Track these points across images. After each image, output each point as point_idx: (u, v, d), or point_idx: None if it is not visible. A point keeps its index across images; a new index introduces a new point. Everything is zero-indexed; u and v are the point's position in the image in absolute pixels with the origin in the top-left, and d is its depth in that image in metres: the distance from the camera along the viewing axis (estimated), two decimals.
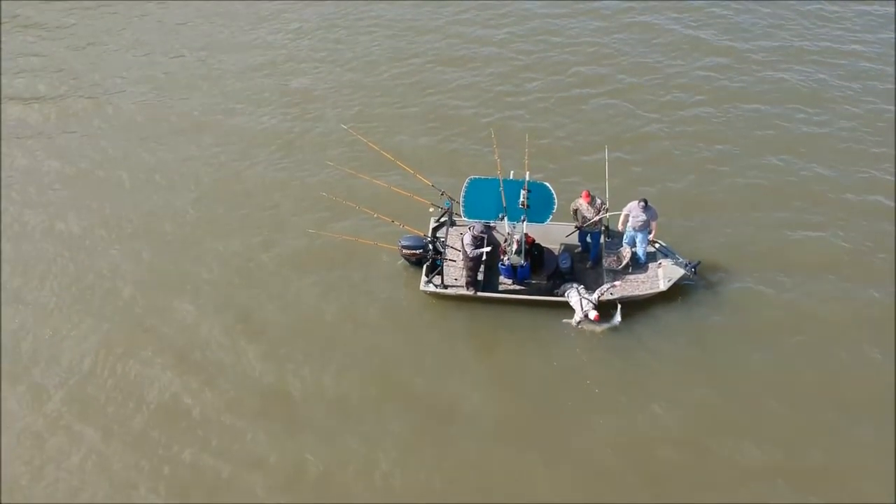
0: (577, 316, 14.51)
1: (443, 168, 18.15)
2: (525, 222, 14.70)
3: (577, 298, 14.62)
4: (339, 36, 23.48)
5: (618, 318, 14.68)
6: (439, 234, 15.91)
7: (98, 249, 16.80)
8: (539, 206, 14.80)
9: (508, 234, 15.27)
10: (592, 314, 14.45)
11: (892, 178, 17.78)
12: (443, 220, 16.12)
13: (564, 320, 14.73)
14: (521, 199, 14.75)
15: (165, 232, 17.19)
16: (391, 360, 14.44)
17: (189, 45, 23.35)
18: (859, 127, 19.38)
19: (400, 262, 15.93)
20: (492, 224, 14.91)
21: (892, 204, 17.15)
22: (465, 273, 15.11)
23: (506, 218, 14.68)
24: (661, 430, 13.17)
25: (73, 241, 17.02)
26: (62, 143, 19.92)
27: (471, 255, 14.56)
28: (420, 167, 17.02)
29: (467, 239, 14.56)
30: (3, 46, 23.44)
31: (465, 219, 15.01)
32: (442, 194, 15.83)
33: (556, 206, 14.96)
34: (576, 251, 15.91)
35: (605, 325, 14.66)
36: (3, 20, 24.57)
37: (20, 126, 20.45)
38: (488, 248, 14.67)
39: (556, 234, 15.76)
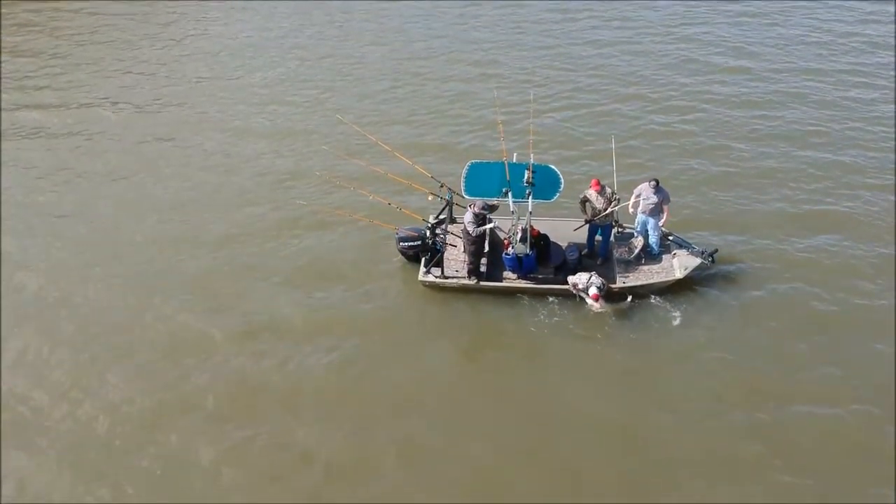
0: (589, 300, 13.47)
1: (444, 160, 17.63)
2: (531, 198, 13.71)
3: (587, 277, 13.55)
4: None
5: (628, 299, 13.66)
6: (438, 230, 14.90)
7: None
8: (545, 185, 13.89)
9: (512, 225, 14.30)
10: (592, 290, 13.39)
11: None
12: (442, 216, 15.15)
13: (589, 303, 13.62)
14: (526, 177, 13.83)
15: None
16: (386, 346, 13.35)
17: None
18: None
19: (396, 259, 14.98)
20: (494, 202, 13.93)
21: None
22: (466, 260, 14.09)
23: (510, 194, 13.72)
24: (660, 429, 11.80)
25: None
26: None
27: (473, 234, 13.57)
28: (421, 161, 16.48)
29: (468, 217, 13.59)
30: None
31: (467, 197, 14.06)
32: (441, 186, 14.95)
33: (563, 186, 14.04)
34: (583, 252, 14.79)
35: (614, 306, 13.63)
36: None
37: None
38: (491, 225, 13.69)
39: (563, 231, 14.77)
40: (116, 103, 21.93)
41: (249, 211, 16.89)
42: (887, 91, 21.35)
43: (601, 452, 11.26)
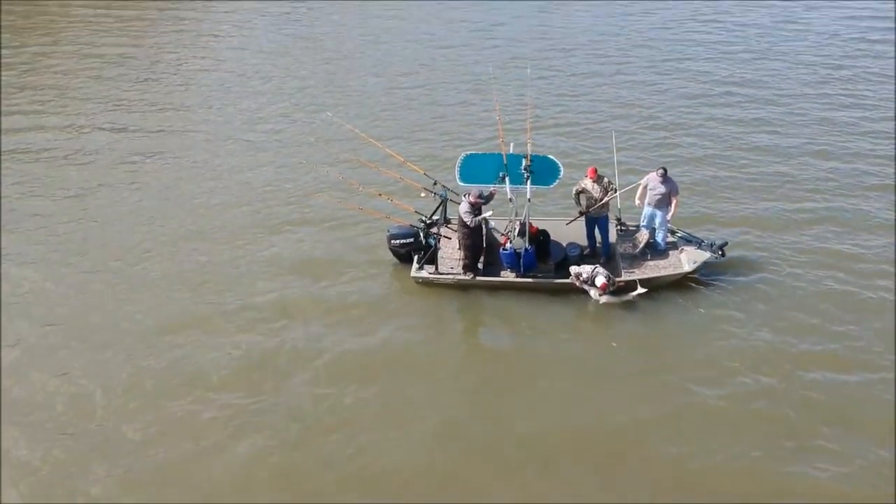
0: (594, 292, 12.59)
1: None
2: (529, 183, 12.91)
3: (591, 268, 12.69)
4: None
5: (639, 289, 12.76)
6: (433, 229, 14.03)
7: None
8: (543, 172, 13.11)
9: (510, 221, 13.48)
10: (600, 280, 12.53)
11: None
12: (435, 217, 14.25)
13: (594, 296, 12.70)
14: (524, 164, 13.05)
15: None
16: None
17: None
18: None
19: (388, 259, 14.10)
20: (491, 189, 13.11)
21: None
22: (462, 254, 13.22)
23: (507, 179, 12.89)
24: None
25: None
26: None
27: (471, 224, 12.72)
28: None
29: (463, 207, 12.77)
30: None
31: (461, 185, 13.29)
32: (435, 184, 14.17)
33: (562, 173, 13.26)
34: (585, 252, 13.91)
35: (622, 298, 12.73)
36: None
37: None
38: (489, 213, 12.87)
39: (563, 233, 13.87)
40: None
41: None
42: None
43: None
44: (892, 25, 25.77)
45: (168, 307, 13.04)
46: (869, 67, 23.12)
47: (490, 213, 12.96)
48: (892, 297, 12.84)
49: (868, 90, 21.56)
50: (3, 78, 24.23)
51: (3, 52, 26.81)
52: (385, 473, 9.82)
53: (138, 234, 15.30)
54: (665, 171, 13.25)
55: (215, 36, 28.45)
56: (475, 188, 12.83)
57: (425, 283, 13.31)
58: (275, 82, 23.88)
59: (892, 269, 13.58)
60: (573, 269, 12.86)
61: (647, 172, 13.86)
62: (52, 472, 9.98)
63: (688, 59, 24.79)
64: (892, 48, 23.95)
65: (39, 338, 12.40)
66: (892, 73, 22.36)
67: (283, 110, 21.64)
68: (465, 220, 12.71)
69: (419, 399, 10.99)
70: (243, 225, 15.57)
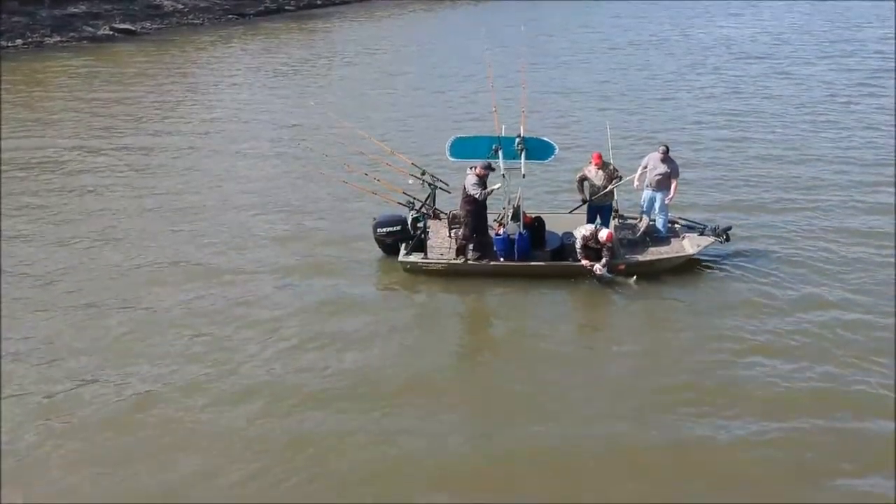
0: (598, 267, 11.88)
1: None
2: (524, 156, 12.30)
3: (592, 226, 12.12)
4: None
5: (633, 280, 12.04)
6: (419, 224, 13.23)
7: None
8: (538, 149, 12.51)
9: (503, 209, 12.78)
10: (604, 233, 11.91)
11: None
12: (423, 210, 13.48)
13: (598, 271, 11.88)
14: (517, 143, 12.43)
15: None
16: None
17: None
18: None
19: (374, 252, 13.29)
20: (492, 166, 12.28)
21: None
22: (462, 232, 12.39)
23: (500, 152, 12.25)
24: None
25: None
26: None
27: (479, 198, 11.90)
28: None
29: (470, 180, 11.95)
30: None
31: (452, 160, 12.75)
32: (423, 174, 13.51)
33: (557, 150, 12.67)
34: None
35: (620, 279, 12.03)
36: None
37: None
38: (497, 186, 12.12)
39: (560, 225, 13.07)
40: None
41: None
42: None
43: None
44: None
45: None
46: None
47: (499, 185, 12.22)
48: None
49: None
50: None
51: None
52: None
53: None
54: (667, 148, 12.68)
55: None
56: (481, 161, 12.13)
57: (413, 269, 12.52)
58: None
59: None
60: (577, 231, 12.15)
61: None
62: None
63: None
64: None
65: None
66: None
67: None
68: (473, 192, 11.87)
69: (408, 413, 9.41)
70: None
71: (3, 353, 10.23)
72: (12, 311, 11.33)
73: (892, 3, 24.74)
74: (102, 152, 19.20)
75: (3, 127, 21.07)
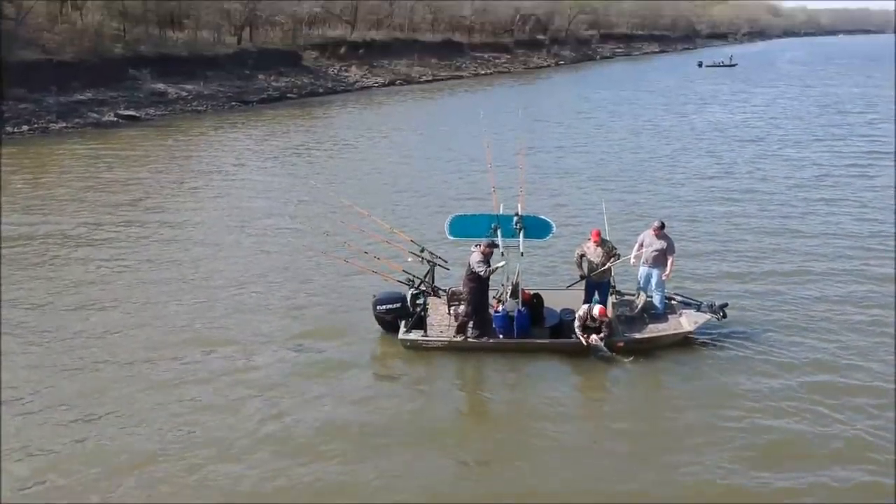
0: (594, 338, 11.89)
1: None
2: (522, 235, 12.42)
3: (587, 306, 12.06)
4: None
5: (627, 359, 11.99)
6: (419, 301, 13.29)
7: None
8: (536, 228, 12.65)
9: (502, 285, 12.84)
10: (597, 309, 11.95)
11: None
12: (422, 287, 13.55)
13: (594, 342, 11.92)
14: (515, 221, 12.58)
15: None
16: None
17: None
18: None
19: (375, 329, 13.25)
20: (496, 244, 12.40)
21: None
22: (463, 309, 12.39)
23: (499, 231, 12.37)
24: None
25: None
26: None
27: (484, 275, 11.97)
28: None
29: (475, 258, 12.00)
30: None
31: (451, 239, 12.90)
32: (423, 250, 13.63)
33: (555, 229, 12.78)
34: None
35: (617, 358, 11.98)
36: None
37: None
38: (501, 265, 12.17)
39: (558, 301, 13.11)
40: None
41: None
42: None
43: None
44: None
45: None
46: None
47: (503, 263, 12.30)
48: None
49: None
50: None
51: None
52: None
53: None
54: (662, 224, 12.82)
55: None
56: (485, 240, 12.23)
57: (413, 346, 12.48)
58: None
59: None
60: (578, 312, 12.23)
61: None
62: None
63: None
64: None
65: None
66: None
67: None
68: (479, 270, 11.93)
69: (407, 472, 9.49)
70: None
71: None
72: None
73: (878, 90, 25.37)
74: (103, 227, 19.41)
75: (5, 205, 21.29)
